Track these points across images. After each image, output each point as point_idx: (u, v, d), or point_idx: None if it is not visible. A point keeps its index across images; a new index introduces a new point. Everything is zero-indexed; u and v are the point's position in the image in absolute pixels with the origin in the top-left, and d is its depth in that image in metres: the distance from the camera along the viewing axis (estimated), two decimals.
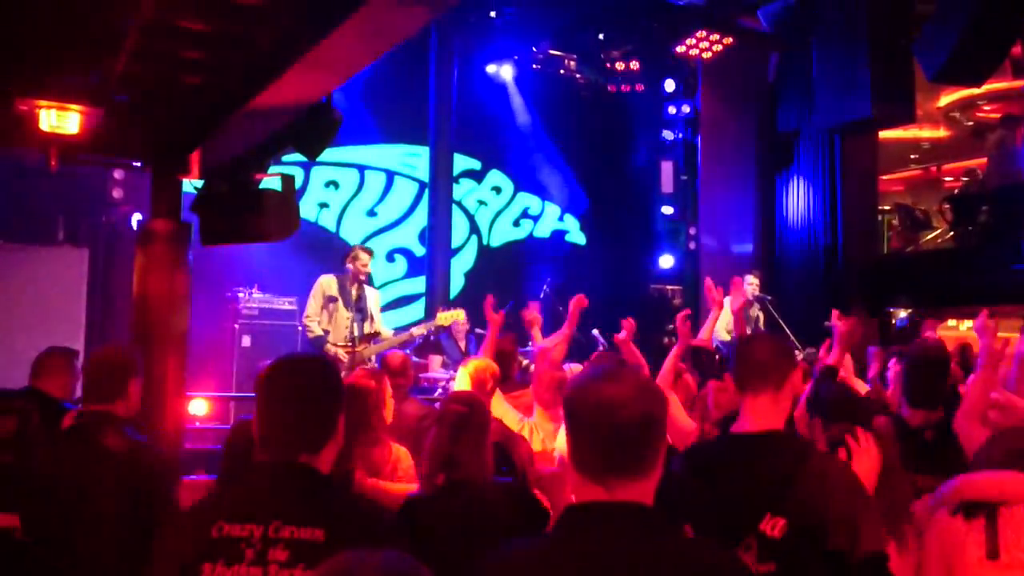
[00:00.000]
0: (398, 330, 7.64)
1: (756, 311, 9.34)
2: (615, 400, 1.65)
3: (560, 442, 4.19)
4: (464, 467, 3.01)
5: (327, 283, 7.38)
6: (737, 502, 2.21)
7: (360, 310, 7.37)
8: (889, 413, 3.88)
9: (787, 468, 2.21)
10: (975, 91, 11.93)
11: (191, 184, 5.93)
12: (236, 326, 8.76)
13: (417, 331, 7.54)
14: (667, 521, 1.70)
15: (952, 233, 11.47)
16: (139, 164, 5.58)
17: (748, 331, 8.48)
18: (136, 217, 8.11)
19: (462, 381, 4.22)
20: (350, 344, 7.24)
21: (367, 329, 7.39)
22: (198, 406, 7.74)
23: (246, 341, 8.73)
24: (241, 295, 8.87)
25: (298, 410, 1.94)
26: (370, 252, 7.56)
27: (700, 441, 2.85)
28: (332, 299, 7.34)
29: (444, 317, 7.60)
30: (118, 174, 8.55)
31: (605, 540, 1.61)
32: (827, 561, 2.10)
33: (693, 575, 1.61)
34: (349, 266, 7.39)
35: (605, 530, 1.62)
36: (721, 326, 7.17)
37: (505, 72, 11.36)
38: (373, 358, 7.22)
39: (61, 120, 3.91)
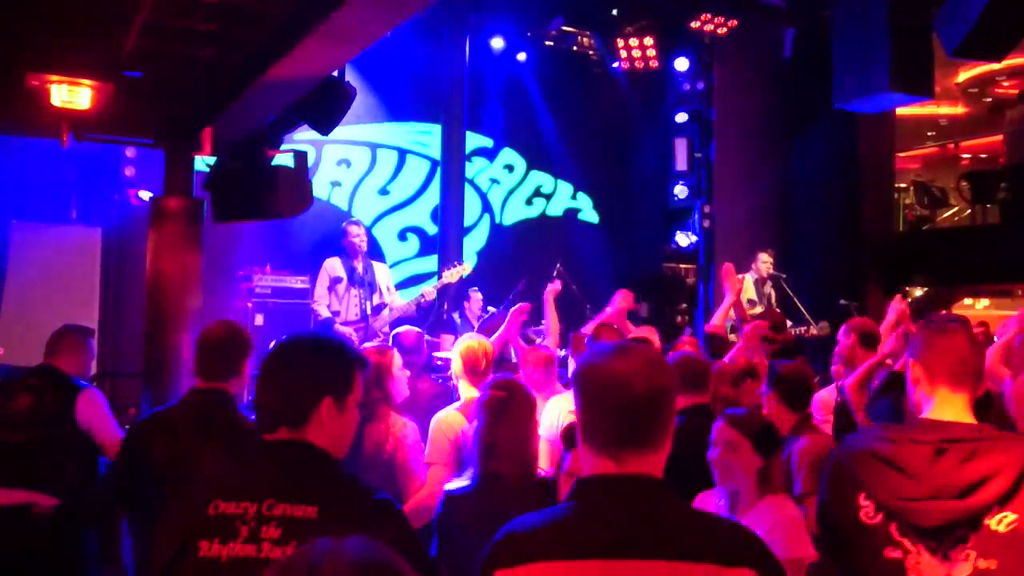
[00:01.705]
0: (409, 302, 7.63)
1: (768, 288, 9.29)
2: (625, 374, 1.67)
3: (550, 419, 4.20)
4: (503, 457, 2.96)
5: (331, 265, 7.44)
6: (952, 491, 2.03)
7: (367, 284, 7.40)
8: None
9: (1012, 459, 2.02)
10: (994, 67, 11.79)
11: (203, 161, 5.91)
12: (249, 305, 8.76)
13: (428, 291, 7.52)
14: (679, 493, 1.71)
15: (969, 211, 11.38)
16: (151, 141, 5.56)
17: (760, 310, 8.44)
18: (147, 195, 8.08)
19: (454, 362, 4.10)
20: (361, 320, 7.25)
21: (376, 302, 7.42)
22: None
23: (259, 320, 8.72)
24: (254, 274, 8.87)
25: (274, 385, 1.94)
26: (359, 223, 7.61)
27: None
28: (337, 279, 7.39)
29: (450, 274, 7.60)
30: (130, 152, 8.54)
31: (616, 511, 1.64)
32: None
33: (704, 545, 1.61)
34: (345, 244, 7.45)
35: (616, 501, 1.65)
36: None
37: (518, 49, 11.26)
38: (387, 328, 7.25)
39: (72, 95, 3.89)
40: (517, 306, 5.16)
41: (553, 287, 5.76)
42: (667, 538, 1.61)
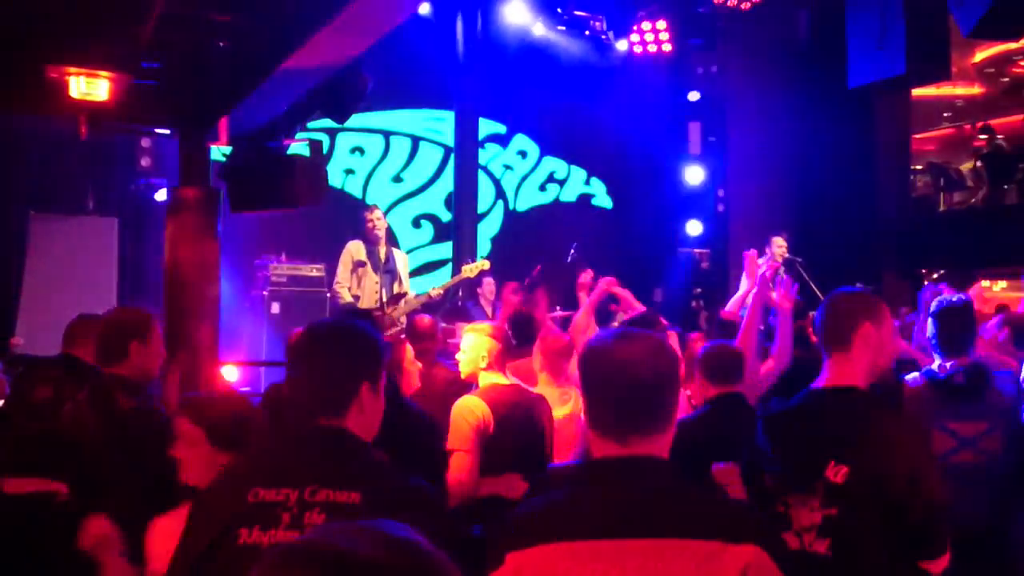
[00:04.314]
0: (419, 295, 7.61)
1: (781, 273, 9.24)
2: (628, 360, 1.71)
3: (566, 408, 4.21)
4: None
5: (355, 248, 7.40)
6: (807, 450, 2.35)
7: (389, 272, 7.39)
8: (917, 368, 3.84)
9: (854, 420, 2.34)
10: (1011, 46, 11.68)
11: (219, 151, 5.94)
12: (265, 293, 8.80)
13: (435, 291, 7.48)
14: (683, 473, 1.75)
15: (984, 192, 11.30)
16: (168, 131, 5.58)
17: (773, 295, 8.38)
18: (162, 192, 8.13)
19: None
20: (378, 308, 7.25)
21: (396, 290, 7.41)
22: (229, 373, 7.83)
23: (275, 308, 8.77)
24: (269, 263, 8.91)
25: (312, 373, 1.93)
26: (376, 209, 7.59)
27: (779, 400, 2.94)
28: (360, 263, 7.35)
29: (469, 269, 7.59)
30: (146, 143, 8.57)
31: (623, 492, 1.67)
32: (887, 509, 2.23)
33: (710, 522, 1.65)
34: (364, 229, 7.44)
35: (623, 482, 1.69)
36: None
37: (530, 34, 11.21)
38: (403, 319, 7.25)
39: (91, 87, 3.90)
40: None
41: (583, 280, 5.60)
42: (674, 517, 1.65)
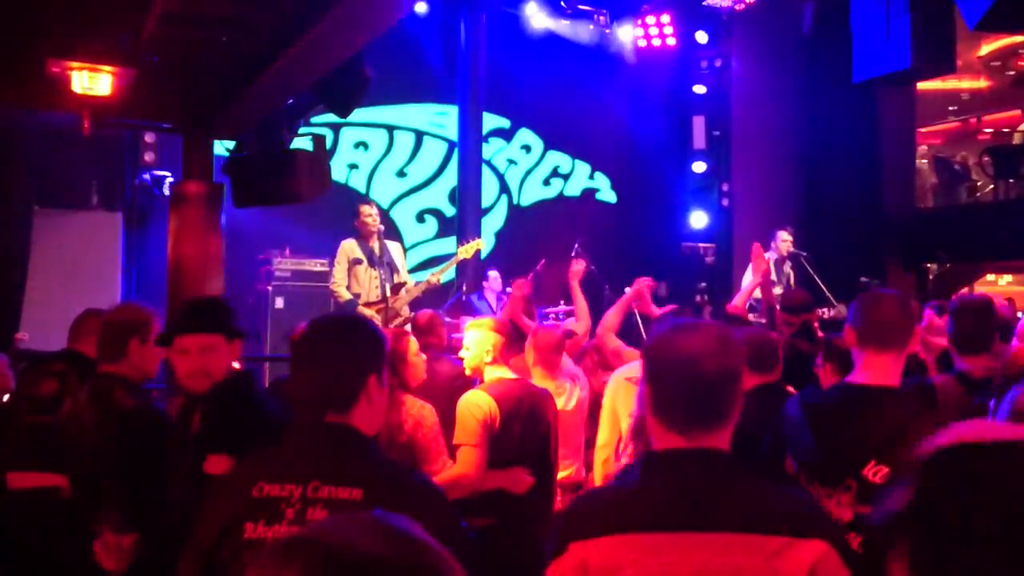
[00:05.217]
0: (419, 283, 7.60)
1: (788, 268, 9.21)
2: (696, 353, 1.69)
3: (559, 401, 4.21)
4: None
5: (349, 247, 7.42)
6: (845, 446, 2.35)
7: (386, 264, 7.41)
8: (947, 371, 3.76)
9: (900, 422, 2.32)
10: (1016, 39, 11.63)
11: (223, 146, 5.94)
12: (269, 288, 8.80)
13: (434, 277, 7.47)
14: (745, 466, 1.74)
15: (991, 186, 11.26)
16: (170, 126, 5.58)
17: (780, 290, 8.37)
18: (168, 182, 8.13)
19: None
20: (381, 301, 7.27)
21: (395, 281, 7.44)
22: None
23: (279, 303, 8.77)
24: (273, 257, 8.91)
25: (319, 369, 1.92)
26: (372, 203, 7.61)
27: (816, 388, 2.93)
28: (357, 261, 7.38)
29: (464, 250, 7.61)
30: (149, 137, 8.56)
31: (687, 484, 1.66)
32: None
33: (777, 516, 1.64)
34: (357, 225, 7.45)
35: (687, 475, 1.68)
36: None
37: (534, 28, 11.19)
38: (406, 309, 7.26)
39: (93, 82, 3.90)
40: (515, 284, 5.17)
41: (575, 269, 5.66)
42: (740, 510, 1.64)
